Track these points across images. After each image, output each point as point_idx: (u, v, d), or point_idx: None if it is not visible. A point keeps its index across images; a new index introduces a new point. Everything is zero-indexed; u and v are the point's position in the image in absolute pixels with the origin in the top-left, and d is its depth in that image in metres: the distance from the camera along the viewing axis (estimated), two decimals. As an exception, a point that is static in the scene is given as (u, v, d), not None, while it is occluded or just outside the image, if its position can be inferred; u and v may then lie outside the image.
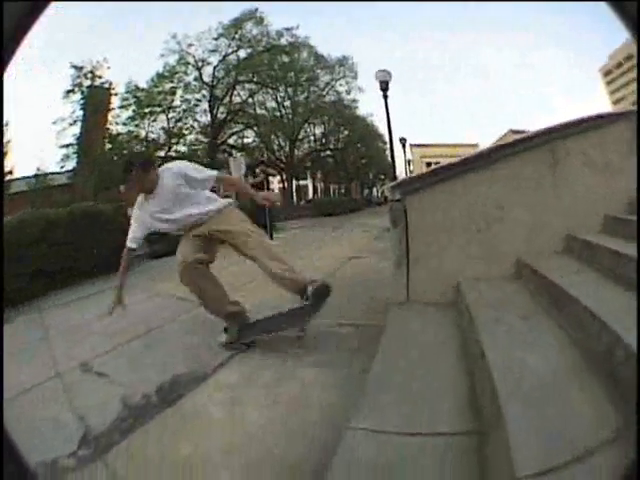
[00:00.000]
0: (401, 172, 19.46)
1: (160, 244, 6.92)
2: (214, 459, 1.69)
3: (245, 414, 1.98)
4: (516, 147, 2.79)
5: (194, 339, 2.99)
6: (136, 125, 20.62)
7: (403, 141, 21.60)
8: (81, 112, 18.81)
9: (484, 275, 2.66)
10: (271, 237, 6.97)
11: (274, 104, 24.73)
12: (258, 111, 24.09)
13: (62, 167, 18.60)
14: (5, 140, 15.58)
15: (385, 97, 9.89)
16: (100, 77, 19.15)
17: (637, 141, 2.20)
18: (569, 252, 2.59)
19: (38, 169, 17.68)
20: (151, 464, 1.74)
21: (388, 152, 19.07)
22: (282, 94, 24.61)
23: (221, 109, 22.18)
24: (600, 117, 2.84)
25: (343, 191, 32.40)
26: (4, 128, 15.15)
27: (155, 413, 2.08)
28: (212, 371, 2.45)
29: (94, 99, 18.86)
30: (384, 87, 9.79)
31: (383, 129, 25.91)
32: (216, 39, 21.22)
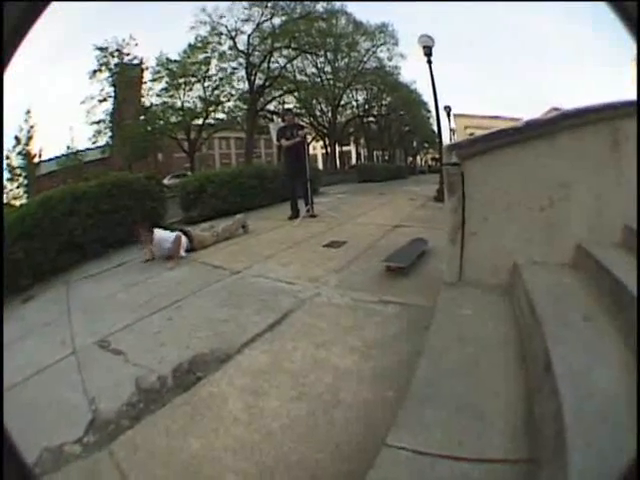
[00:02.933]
0: (446, 141, 18.33)
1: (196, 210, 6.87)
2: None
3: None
4: (580, 118, 2.43)
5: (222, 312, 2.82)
6: (170, 96, 20.78)
7: (448, 109, 20.25)
8: (111, 89, 19.23)
9: (542, 259, 2.39)
10: (311, 202, 6.52)
11: (314, 70, 24.12)
12: (298, 77, 23.49)
13: (94, 143, 19.25)
14: (28, 126, 16.38)
15: (429, 62, 9.49)
16: (128, 54, 19.41)
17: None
18: (626, 245, 2.21)
19: (68, 147, 18.51)
20: (157, 456, 1.58)
21: (432, 120, 18.02)
22: (322, 59, 23.85)
23: (259, 76, 21.70)
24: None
25: (387, 158, 31.25)
26: (25, 116, 15.87)
27: (169, 398, 1.91)
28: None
29: (125, 75, 19.17)
30: (427, 52, 9.44)
31: (427, 98, 24.72)
32: (248, 8, 20.58)
